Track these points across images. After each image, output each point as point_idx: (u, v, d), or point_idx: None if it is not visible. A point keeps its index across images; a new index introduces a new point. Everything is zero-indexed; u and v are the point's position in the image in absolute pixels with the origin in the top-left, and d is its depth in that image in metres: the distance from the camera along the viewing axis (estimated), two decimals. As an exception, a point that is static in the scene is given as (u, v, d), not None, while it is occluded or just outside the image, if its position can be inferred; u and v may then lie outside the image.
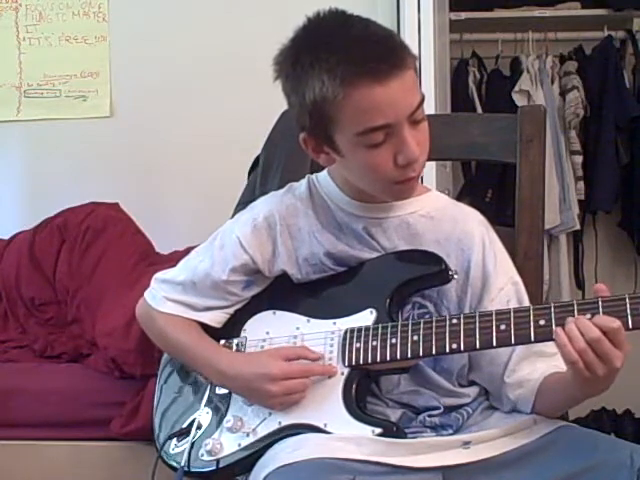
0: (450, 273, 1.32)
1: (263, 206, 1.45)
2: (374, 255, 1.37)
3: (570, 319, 1.17)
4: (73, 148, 2.96)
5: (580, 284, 3.57)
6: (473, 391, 1.38)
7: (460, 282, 1.36)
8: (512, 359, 1.33)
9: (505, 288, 1.37)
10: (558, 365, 1.31)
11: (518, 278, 1.40)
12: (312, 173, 1.48)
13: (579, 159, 3.42)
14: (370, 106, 1.22)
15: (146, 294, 1.49)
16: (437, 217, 1.40)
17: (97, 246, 2.51)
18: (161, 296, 1.46)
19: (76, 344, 2.39)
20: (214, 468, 1.33)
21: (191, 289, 1.44)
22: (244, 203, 1.74)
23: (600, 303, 1.16)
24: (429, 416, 1.33)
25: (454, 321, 1.25)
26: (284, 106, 1.86)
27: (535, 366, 1.32)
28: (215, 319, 1.44)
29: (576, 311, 1.17)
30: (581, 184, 3.42)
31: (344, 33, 1.24)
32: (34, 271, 2.55)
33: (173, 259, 1.55)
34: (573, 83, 3.40)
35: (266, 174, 2.00)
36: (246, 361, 1.36)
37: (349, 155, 1.28)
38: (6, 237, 2.69)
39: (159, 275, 1.49)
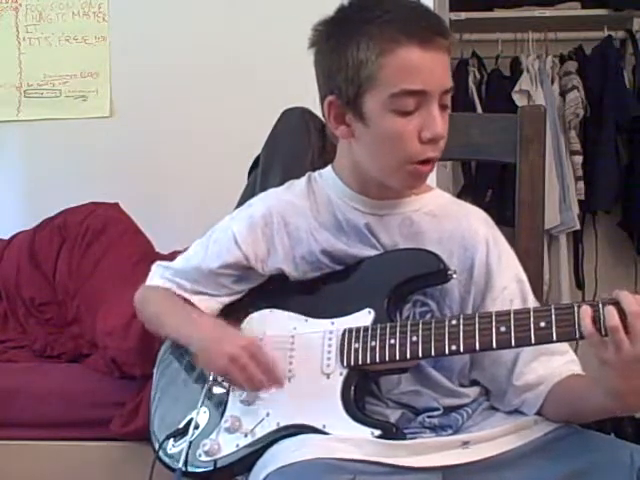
0: (449, 272, 1.31)
1: (261, 203, 1.45)
2: (373, 253, 1.36)
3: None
4: (73, 148, 2.96)
5: (580, 284, 3.57)
6: (474, 391, 1.37)
7: (463, 281, 1.35)
8: (519, 361, 1.31)
9: (509, 287, 1.35)
10: (574, 368, 1.30)
11: (523, 276, 1.38)
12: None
13: (579, 159, 3.42)
14: (411, 67, 1.23)
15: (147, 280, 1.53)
16: (440, 215, 1.39)
17: (97, 246, 2.51)
18: (156, 275, 1.50)
19: (76, 344, 2.39)
20: (212, 469, 1.32)
21: (183, 274, 1.46)
22: (244, 203, 1.73)
23: (600, 304, 1.14)
24: (428, 417, 1.33)
25: (453, 322, 1.23)
26: (284, 106, 1.87)
27: (547, 367, 1.29)
28: (205, 304, 1.44)
29: (576, 312, 1.15)
30: (581, 184, 3.42)
31: None
32: (34, 271, 2.55)
33: (173, 259, 1.56)
34: (573, 83, 3.40)
35: (266, 174, 1.99)
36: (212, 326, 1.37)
37: (374, 122, 1.27)
38: (6, 237, 2.69)
39: (159, 262, 1.53)
